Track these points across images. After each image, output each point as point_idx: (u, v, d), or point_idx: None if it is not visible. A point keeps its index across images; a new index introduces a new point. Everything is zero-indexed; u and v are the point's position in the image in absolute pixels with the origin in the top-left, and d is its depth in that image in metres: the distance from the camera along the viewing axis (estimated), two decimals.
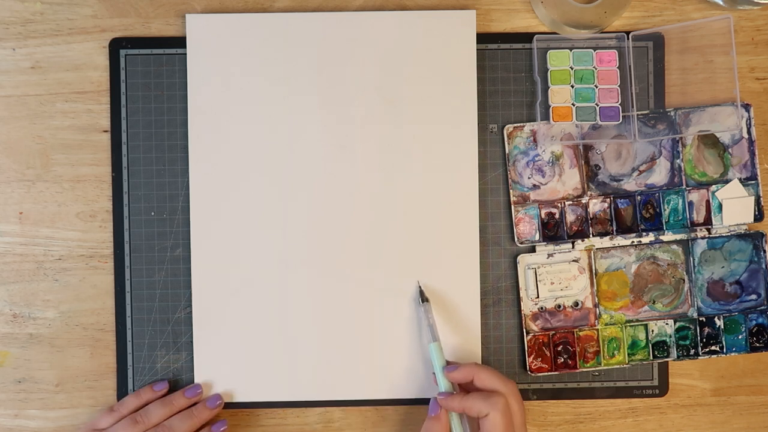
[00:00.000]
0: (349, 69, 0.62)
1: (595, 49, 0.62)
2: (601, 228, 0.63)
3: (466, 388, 0.58)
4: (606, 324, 0.63)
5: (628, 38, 0.62)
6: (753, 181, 0.63)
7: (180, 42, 0.62)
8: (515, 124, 0.62)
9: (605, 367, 0.62)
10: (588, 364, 0.62)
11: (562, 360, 0.62)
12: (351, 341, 0.62)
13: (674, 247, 0.63)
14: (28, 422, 0.63)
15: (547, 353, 0.62)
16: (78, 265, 0.63)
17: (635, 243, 0.63)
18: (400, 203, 0.62)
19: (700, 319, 0.63)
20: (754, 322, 0.63)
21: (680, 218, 0.63)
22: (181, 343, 0.62)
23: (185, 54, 0.62)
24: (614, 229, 0.62)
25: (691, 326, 0.63)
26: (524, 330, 0.62)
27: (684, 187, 0.62)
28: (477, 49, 0.62)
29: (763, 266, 0.63)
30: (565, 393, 0.63)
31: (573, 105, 0.61)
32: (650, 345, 0.63)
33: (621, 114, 0.61)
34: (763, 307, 0.63)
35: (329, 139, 0.62)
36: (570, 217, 0.63)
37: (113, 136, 0.62)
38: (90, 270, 0.63)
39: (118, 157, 0.62)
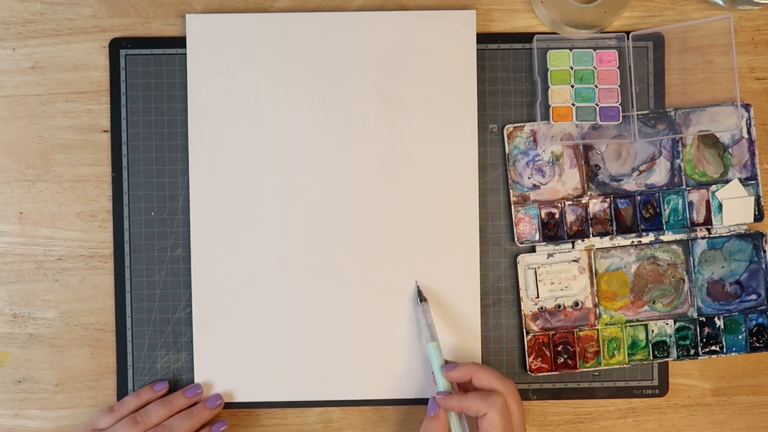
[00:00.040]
0: (349, 69, 0.62)
1: (595, 49, 0.62)
2: (601, 228, 0.63)
3: (464, 388, 0.58)
4: (606, 324, 0.63)
5: (628, 38, 0.62)
6: (753, 181, 0.63)
7: (180, 42, 0.62)
8: (515, 124, 0.62)
9: (605, 367, 0.62)
10: (588, 364, 0.62)
11: (562, 360, 0.62)
12: (351, 341, 0.62)
13: (674, 247, 0.63)
14: (28, 422, 0.63)
15: (547, 353, 0.62)
16: (78, 265, 0.63)
17: (635, 243, 0.63)
18: (400, 203, 0.62)
19: (700, 319, 0.63)
20: (754, 322, 0.63)
21: (680, 218, 0.63)
22: (181, 343, 0.62)
23: (185, 54, 0.62)
24: (614, 229, 0.62)
25: (691, 326, 0.63)
26: (524, 330, 0.62)
27: (684, 187, 0.62)
28: (477, 49, 0.62)
29: (763, 266, 0.63)
30: (565, 393, 0.63)
31: (573, 105, 0.61)
32: (650, 345, 0.63)
33: (621, 114, 0.61)
34: (763, 307, 0.63)
35: (329, 139, 0.62)
36: (570, 217, 0.63)
37: (113, 136, 0.63)
38: (90, 270, 0.63)
39: (118, 157, 0.63)
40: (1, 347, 0.63)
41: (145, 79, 0.62)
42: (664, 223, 0.62)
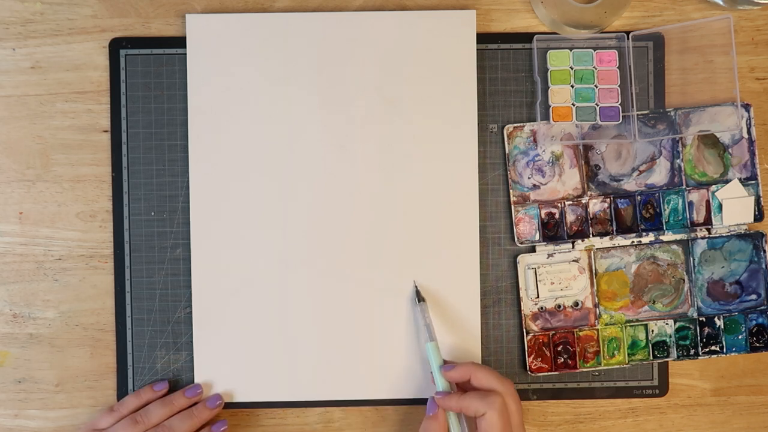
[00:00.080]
0: (349, 69, 0.62)
1: (595, 49, 0.62)
2: (601, 228, 0.63)
3: (463, 388, 0.58)
4: (606, 324, 0.63)
5: (628, 38, 0.62)
6: (753, 181, 0.63)
7: (180, 42, 0.62)
8: (515, 124, 0.62)
9: (605, 367, 0.62)
10: (588, 364, 0.62)
11: (562, 360, 0.62)
12: (351, 341, 0.62)
13: (674, 247, 0.63)
14: (28, 422, 0.63)
15: (547, 353, 0.62)
16: (78, 265, 0.63)
17: (635, 243, 0.63)
18: (400, 203, 0.62)
19: (700, 319, 0.63)
20: (754, 322, 0.63)
21: (680, 218, 0.63)
22: (181, 343, 0.62)
23: (185, 54, 0.62)
24: (614, 229, 0.62)
25: (691, 326, 0.63)
26: (524, 330, 0.62)
27: (684, 187, 0.62)
28: (477, 49, 0.62)
29: (763, 266, 0.63)
30: (565, 393, 0.63)
31: (573, 105, 0.61)
32: (650, 345, 0.63)
33: (621, 114, 0.61)
34: (763, 307, 0.63)
35: (329, 139, 0.62)
36: (570, 217, 0.63)
37: (113, 136, 0.63)
38: (90, 270, 0.63)
39: (118, 157, 0.63)
40: (1, 347, 0.63)
41: (145, 79, 0.62)
42: (664, 223, 0.62)
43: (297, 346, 0.62)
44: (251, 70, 0.61)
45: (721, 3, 0.63)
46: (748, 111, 0.63)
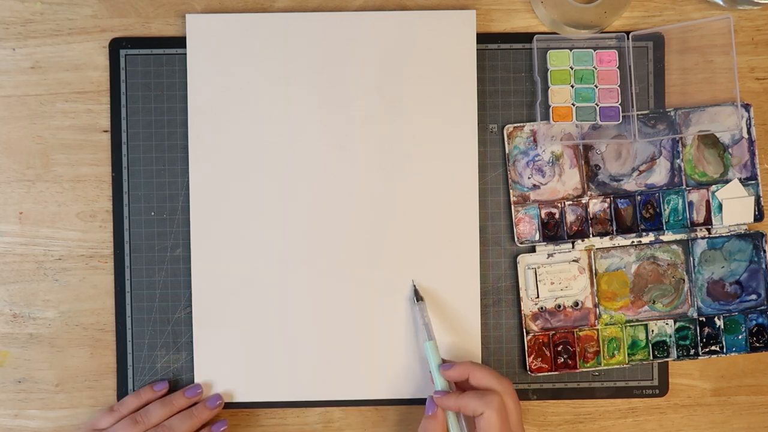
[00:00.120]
0: (349, 69, 0.62)
1: (595, 49, 0.62)
2: (601, 228, 0.63)
3: (462, 387, 0.58)
4: (606, 324, 0.63)
5: (628, 38, 0.62)
6: (753, 181, 0.63)
7: (180, 42, 0.62)
8: (515, 124, 0.62)
9: (605, 367, 0.62)
10: (588, 364, 0.62)
11: (562, 360, 0.62)
12: (351, 341, 0.62)
13: (674, 247, 0.63)
14: (28, 422, 0.63)
15: (547, 353, 0.62)
16: (78, 265, 0.63)
17: (635, 243, 0.63)
18: (400, 203, 0.62)
19: (700, 319, 0.63)
20: (754, 322, 0.63)
21: (680, 218, 0.63)
22: (181, 343, 0.62)
23: (185, 54, 0.62)
24: (614, 229, 0.62)
25: (691, 326, 0.63)
26: (524, 330, 0.62)
27: (684, 187, 0.62)
28: (477, 49, 0.62)
29: (763, 266, 0.63)
30: (565, 393, 0.63)
31: (573, 105, 0.61)
32: (650, 345, 0.63)
33: (621, 114, 0.61)
34: (763, 307, 0.63)
35: (329, 139, 0.62)
36: (570, 217, 0.63)
37: (113, 136, 0.63)
38: (90, 270, 0.63)
39: (118, 157, 0.63)
40: (1, 347, 0.63)
41: (145, 79, 0.62)
42: (664, 223, 0.62)
43: (297, 346, 0.62)
44: (251, 70, 0.61)
45: (721, 3, 0.63)
46: (748, 111, 0.63)
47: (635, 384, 0.63)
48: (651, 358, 0.63)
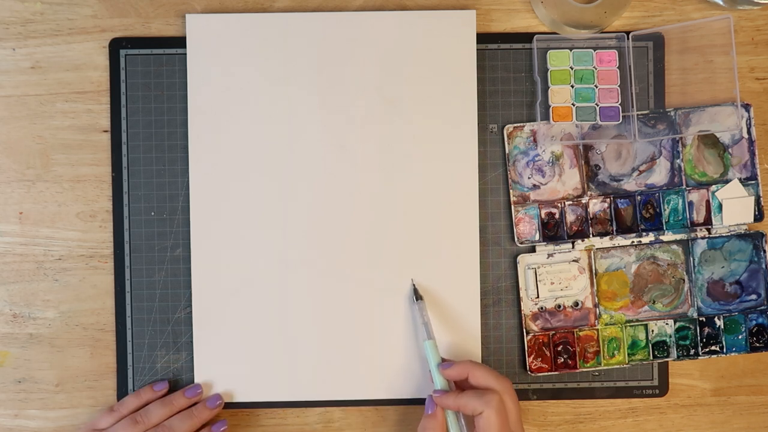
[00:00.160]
0: (349, 69, 0.62)
1: (595, 49, 0.62)
2: (601, 228, 0.63)
3: (462, 386, 0.58)
4: (606, 324, 0.63)
5: (628, 38, 0.62)
6: (753, 181, 0.63)
7: (180, 42, 0.62)
8: (515, 124, 0.62)
9: (605, 367, 0.62)
10: (588, 364, 0.62)
11: (562, 360, 0.62)
12: (351, 341, 0.62)
13: (674, 247, 0.63)
14: (28, 422, 0.63)
15: (547, 353, 0.62)
16: (78, 265, 0.63)
17: (635, 243, 0.63)
18: (400, 203, 0.62)
19: (700, 319, 0.63)
20: (754, 322, 0.63)
21: (680, 218, 0.63)
22: (181, 343, 0.62)
23: (185, 54, 0.62)
24: (614, 229, 0.62)
25: (691, 326, 0.63)
26: (524, 330, 0.62)
27: (684, 187, 0.62)
28: (477, 49, 0.62)
29: (763, 266, 0.63)
30: (565, 393, 0.63)
31: (573, 105, 0.61)
32: (650, 345, 0.63)
33: (621, 114, 0.61)
34: (763, 307, 0.63)
35: (329, 139, 0.62)
36: (570, 217, 0.63)
37: (113, 136, 0.63)
38: (90, 270, 0.63)
39: (118, 157, 0.63)
40: (1, 347, 0.63)
41: (145, 79, 0.62)
42: (664, 223, 0.62)
43: (297, 346, 0.62)
44: (251, 70, 0.61)
45: (721, 3, 0.63)
46: (748, 111, 0.63)
47: (635, 384, 0.63)
48: (651, 358, 0.63)
